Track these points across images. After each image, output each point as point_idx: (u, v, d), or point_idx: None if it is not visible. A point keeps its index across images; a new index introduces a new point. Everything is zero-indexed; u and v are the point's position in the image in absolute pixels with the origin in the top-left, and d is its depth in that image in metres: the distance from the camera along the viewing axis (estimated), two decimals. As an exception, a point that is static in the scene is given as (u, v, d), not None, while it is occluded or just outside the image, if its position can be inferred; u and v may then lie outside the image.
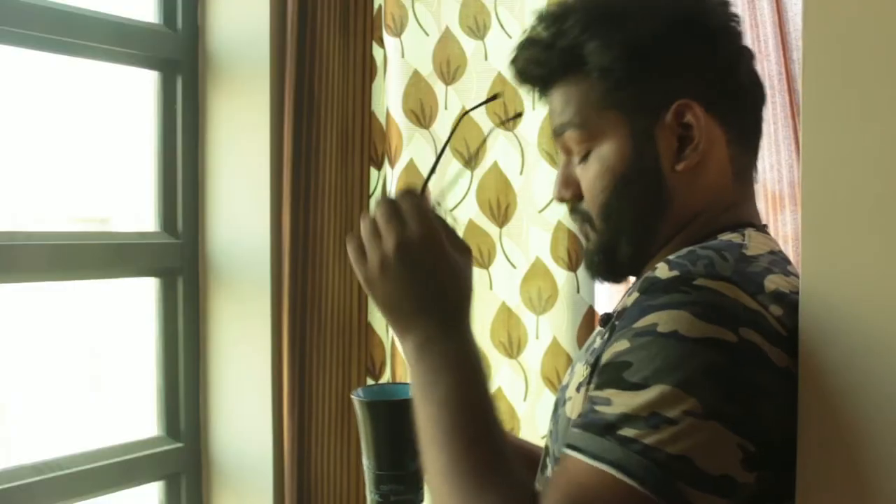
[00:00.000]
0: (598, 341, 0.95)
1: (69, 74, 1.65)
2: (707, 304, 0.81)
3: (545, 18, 1.01)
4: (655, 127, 0.96)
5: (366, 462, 1.06)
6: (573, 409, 0.93)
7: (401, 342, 0.95)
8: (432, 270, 0.93)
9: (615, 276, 1.07)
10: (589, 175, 0.99)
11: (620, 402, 0.80)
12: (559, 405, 0.98)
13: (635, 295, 0.87)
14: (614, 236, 0.99)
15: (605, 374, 0.83)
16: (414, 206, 0.94)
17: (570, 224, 1.52)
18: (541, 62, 1.01)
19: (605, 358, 0.84)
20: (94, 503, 1.55)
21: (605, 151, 0.98)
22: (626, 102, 0.97)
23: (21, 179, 1.67)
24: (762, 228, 1.00)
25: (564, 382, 1.01)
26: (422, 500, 1.08)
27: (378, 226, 0.94)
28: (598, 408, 0.81)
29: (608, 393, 0.81)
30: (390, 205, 0.95)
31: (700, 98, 0.95)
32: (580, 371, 0.95)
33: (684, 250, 0.90)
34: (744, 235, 0.94)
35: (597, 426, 0.80)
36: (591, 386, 0.85)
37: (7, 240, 1.43)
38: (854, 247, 0.79)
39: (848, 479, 0.79)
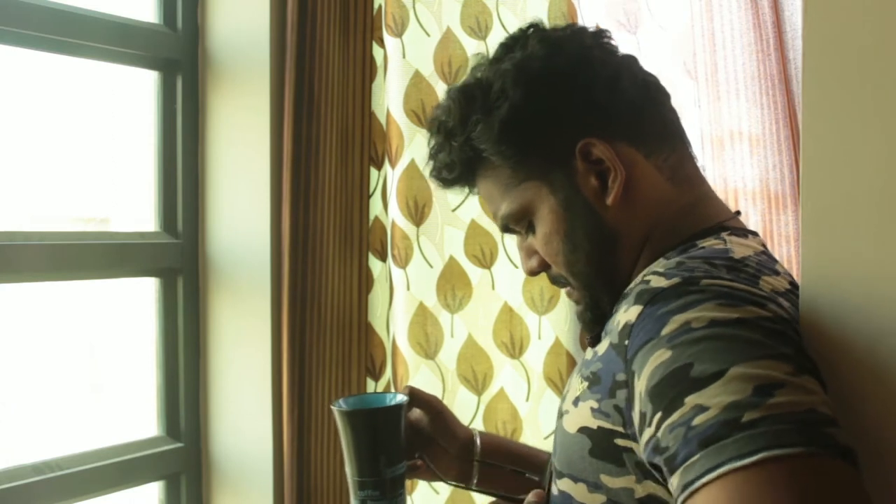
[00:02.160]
0: (592, 354, 0.93)
1: (69, 74, 1.65)
2: (725, 293, 0.80)
3: (432, 126, 1.06)
4: (573, 176, 0.98)
5: (347, 469, 1.08)
6: (571, 422, 0.92)
7: None
8: None
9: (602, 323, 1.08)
10: (540, 244, 1.02)
11: (711, 398, 0.70)
12: (558, 417, 0.98)
13: (638, 307, 0.84)
14: (591, 289, 1.01)
15: (667, 390, 0.74)
16: None
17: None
18: (449, 167, 1.05)
19: (645, 379, 0.76)
20: (94, 503, 1.55)
21: (541, 218, 1.01)
22: (534, 169, 0.99)
23: (21, 179, 1.67)
24: (738, 230, 0.99)
25: (563, 393, 1.01)
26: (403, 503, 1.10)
27: None
28: (695, 421, 0.70)
29: (689, 401, 0.71)
30: None
31: (596, 132, 0.97)
32: (576, 385, 0.94)
33: (672, 262, 0.90)
34: (724, 241, 0.94)
35: (716, 434, 0.68)
36: (657, 417, 0.74)
37: (7, 240, 1.43)
38: (854, 247, 0.79)
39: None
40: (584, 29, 1.04)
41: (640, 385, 0.77)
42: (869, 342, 0.78)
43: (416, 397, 1.16)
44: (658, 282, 0.85)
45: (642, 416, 0.77)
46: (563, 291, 1.59)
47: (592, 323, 1.03)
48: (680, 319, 0.76)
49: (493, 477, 1.19)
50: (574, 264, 1.00)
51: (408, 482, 1.64)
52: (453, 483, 1.20)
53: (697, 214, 0.99)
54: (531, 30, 1.04)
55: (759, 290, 0.83)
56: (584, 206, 0.98)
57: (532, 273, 1.07)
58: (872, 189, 0.78)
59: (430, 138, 1.08)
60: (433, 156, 1.08)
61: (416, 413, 1.17)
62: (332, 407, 1.09)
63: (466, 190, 1.10)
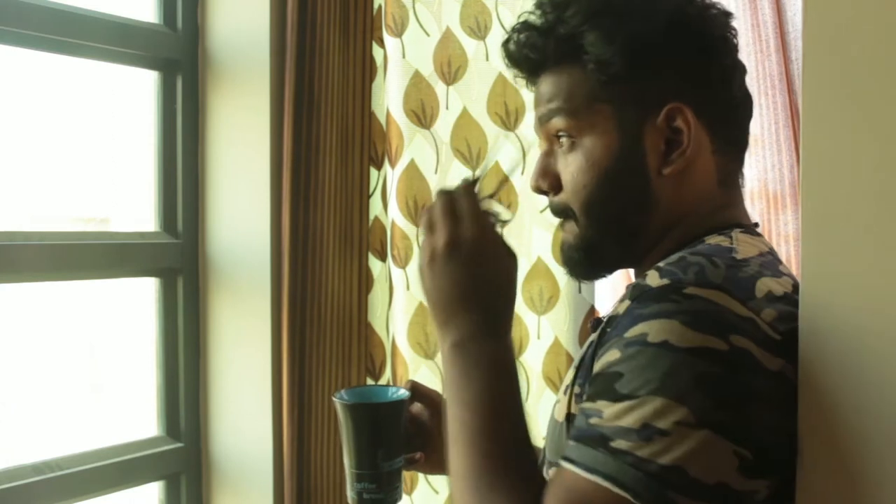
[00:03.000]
0: (588, 344, 0.95)
1: (69, 74, 1.65)
2: (697, 312, 0.81)
3: (545, 5, 0.99)
4: (645, 126, 0.96)
5: (345, 460, 1.08)
6: (559, 411, 0.94)
7: (439, 338, 0.95)
8: (479, 272, 0.93)
9: (593, 275, 1.08)
10: (572, 168, 0.98)
11: (612, 413, 0.80)
12: (552, 408, 0.99)
13: (626, 303, 0.86)
14: (599, 234, 0.99)
15: (597, 385, 0.83)
16: (470, 204, 0.94)
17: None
18: (536, 47, 0.99)
19: (596, 367, 0.85)
20: (94, 503, 1.55)
21: (591, 145, 0.97)
22: (619, 97, 0.96)
23: (21, 179, 1.67)
24: (751, 228, 1.00)
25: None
26: (395, 501, 1.09)
27: (433, 219, 0.94)
28: (591, 420, 0.82)
29: (600, 404, 0.81)
30: (447, 200, 0.95)
31: (693, 104, 0.95)
32: (569, 374, 0.95)
33: (674, 257, 0.90)
34: (731, 238, 0.94)
35: (591, 438, 0.81)
36: (585, 397, 0.85)
37: (7, 240, 1.43)
38: (854, 247, 0.79)
39: (848, 480, 0.79)
40: (732, 17, 1.02)
41: (595, 368, 0.86)
42: (869, 342, 0.78)
43: (417, 392, 1.16)
44: (652, 278, 0.87)
45: (574, 380, 0.90)
46: (562, 291, 1.60)
47: (579, 264, 1.01)
48: (642, 328, 0.81)
49: None
50: (593, 205, 0.97)
51: (408, 480, 1.64)
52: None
53: (723, 216, 0.99)
54: None
55: (742, 307, 0.83)
56: (640, 160, 0.96)
57: (537, 189, 1.02)
58: (872, 189, 0.78)
59: (532, 12, 1.00)
60: (520, 30, 1.01)
61: (417, 407, 1.17)
62: (333, 398, 1.08)
63: (526, 84, 1.04)
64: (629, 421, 0.79)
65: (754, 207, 1.78)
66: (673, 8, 0.97)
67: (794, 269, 1.68)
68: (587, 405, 0.83)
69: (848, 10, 0.78)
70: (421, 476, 1.64)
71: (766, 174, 1.76)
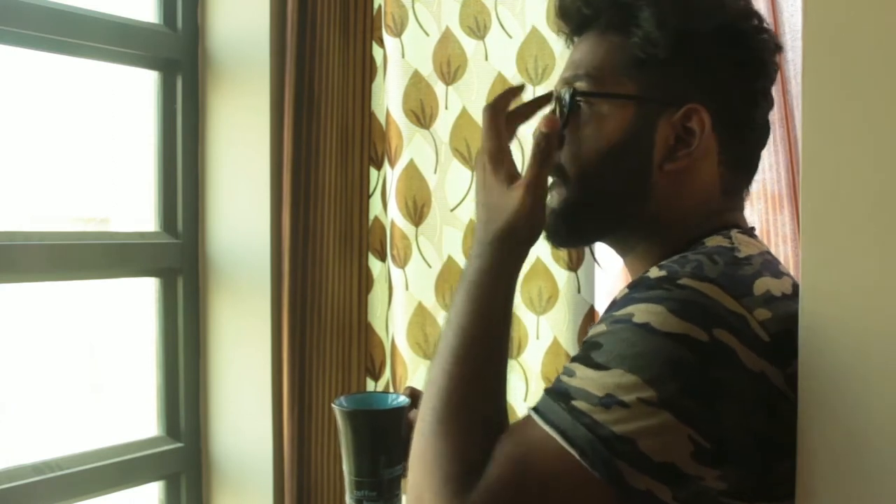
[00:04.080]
0: None
1: (69, 74, 1.65)
2: (685, 301, 0.83)
3: None
4: (661, 117, 0.96)
5: (344, 467, 1.08)
6: None
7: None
8: (479, 190, 0.97)
9: (568, 242, 1.10)
10: (580, 130, 0.98)
11: (582, 375, 0.83)
12: None
13: (625, 291, 0.89)
14: (584, 202, 0.99)
15: (579, 351, 0.87)
16: (487, 119, 0.97)
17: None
18: (591, 4, 1.00)
19: (585, 338, 0.89)
20: (94, 503, 1.55)
21: (608, 114, 0.97)
22: (648, 80, 0.96)
23: (21, 179, 1.67)
24: (748, 231, 1.00)
25: None
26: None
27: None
28: (563, 377, 0.86)
29: (574, 366, 0.85)
30: (486, 115, 0.98)
31: (713, 111, 0.96)
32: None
33: (676, 256, 0.91)
34: (731, 238, 0.95)
35: (556, 393, 0.84)
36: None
37: (7, 240, 1.43)
38: (854, 247, 0.79)
39: (848, 480, 0.79)
40: (780, 48, 1.03)
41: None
42: (869, 342, 0.78)
43: (416, 398, 1.17)
44: (652, 272, 0.89)
45: None
46: (561, 292, 1.60)
47: (556, 230, 1.01)
48: (630, 309, 0.84)
49: None
50: (591, 174, 0.98)
51: (405, 483, 1.64)
52: None
53: (720, 219, 0.99)
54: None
55: (735, 303, 0.84)
56: (647, 146, 0.96)
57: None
58: (872, 189, 0.78)
59: None
60: None
61: (416, 413, 1.17)
62: (333, 405, 1.08)
63: (565, 39, 1.05)
64: (594, 386, 0.82)
65: (753, 207, 1.78)
66: (731, 17, 0.98)
67: (792, 269, 1.68)
68: (567, 365, 0.87)
69: (848, 10, 0.79)
70: (421, 476, 1.64)
71: (764, 174, 1.77)
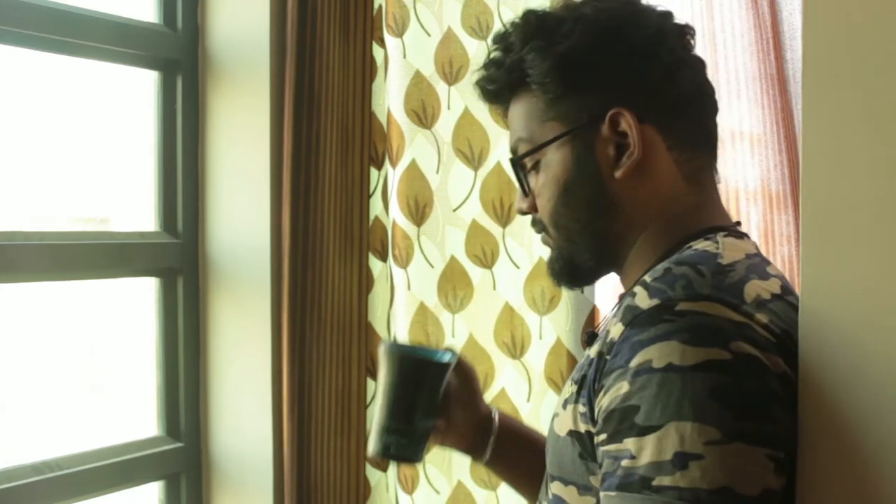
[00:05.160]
0: (585, 357, 0.95)
1: (69, 74, 1.65)
2: (693, 328, 0.82)
3: (497, 38, 1.06)
4: (594, 136, 0.98)
5: (378, 411, 1.08)
6: (560, 425, 0.95)
7: None
8: None
9: (577, 282, 1.11)
10: (538, 185, 1.03)
11: (641, 450, 0.80)
12: (551, 419, 0.99)
13: (620, 327, 0.87)
14: (569, 244, 1.03)
15: (615, 422, 0.83)
16: None
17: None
18: (493, 80, 1.05)
19: (605, 401, 0.85)
20: (94, 503, 1.55)
21: (550, 161, 1.01)
22: (564, 113, 1.00)
23: (21, 179, 1.67)
24: (735, 231, 1.00)
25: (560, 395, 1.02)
26: (418, 461, 1.11)
27: None
28: (623, 463, 0.81)
29: (627, 443, 0.81)
30: None
31: (634, 107, 0.97)
32: (568, 388, 0.95)
33: (660, 269, 0.91)
34: (717, 243, 0.95)
35: (632, 484, 0.80)
36: (603, 436, 0.85)
37: (7, 240, 1.43)
38: (854, 247, 0.79)
39: (849, 480, 0.79)
40: (671, 16, 1.04)
41: (602, 401, 0.86)
42: (870, 343, 0.77)
43: (460, 362, 1.17)
44: (641, 299, 0.88)
45: (597, 423, 0.87)
46: (564, 292, 1.60)
47: (560, 273, 1.05)
48: (645, 355, 0.82)
49: (505, 456, 1.20)
50: (560, 217, 1.02)
51: (409, 480, 1.64)
52: (461, 452, 1.21)
53: (699, 216, 1.00)
54: None
55: (736, 313, 0.84)
56: (593, 168, 0.99)
57: (520, 211, 1.08)
58: (873, 190, 0.77)
59: (490, 48, 1.08)
60: (484, 66, 1.08)
61: (451, 376, 1.17)
62: (381, 345, 1.09)
63: (498, 109, 1.10)
64: (661, 453, 0.79)
65: (755, 207, 1.78)
66: (604, 17, 1.00)
67: (795, 269, 1.68)
68: (612, 447, 0.83)
69: (848, 9, 0.78)
70: (422, 476, 1.64)
71: (766, 174, 1.76)
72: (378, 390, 1.09)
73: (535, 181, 1.03)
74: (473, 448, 1.20)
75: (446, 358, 1.12)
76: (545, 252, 1.60)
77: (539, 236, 1.09)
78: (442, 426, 1.15)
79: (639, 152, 0.97)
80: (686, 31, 1.03)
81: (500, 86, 1.05)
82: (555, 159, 1.01)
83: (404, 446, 1.07)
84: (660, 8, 1.04)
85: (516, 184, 1.07)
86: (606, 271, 1.07)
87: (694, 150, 1.01)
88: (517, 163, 1.04)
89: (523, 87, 1.02)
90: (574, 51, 0.98)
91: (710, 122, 1.04)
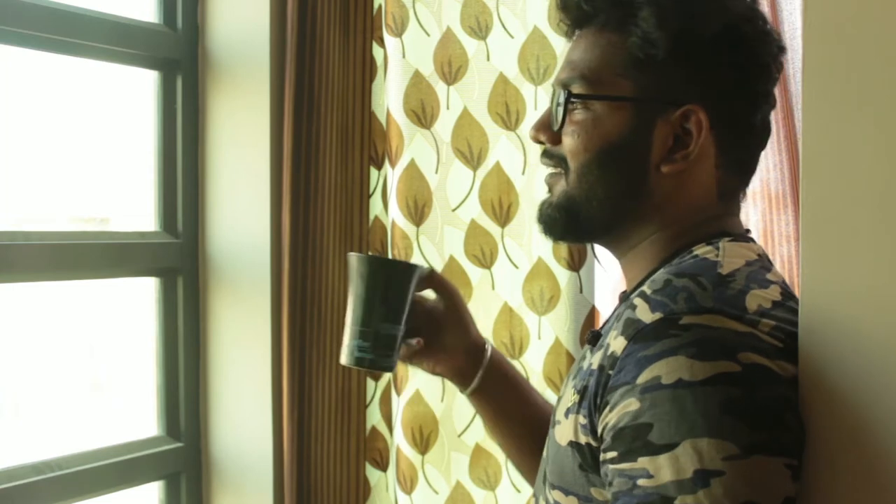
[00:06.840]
0: (587, 363, 0.93)
1: (69, 74, 1.65)
2: (700, 342, 0.81)
3: None
4: (659, 117, 0.95)
5: (347, 318, 1.08)
6: (562, 434, 0.93)
7: None
8: None
9: (567, 236, 1.05)
10: (579, 128, 0.96)
11: (659, 469, 0.79)
12: (551, 426, 0.98)
13: (621, 341, 0.86)
14: (585, 196, 0.97)
15: (627, 441, 0.82)
16: None
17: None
18: (591, 1, 0.98)
19: (612, 418, 0.83)
20: (94, 503, 1.55)
21: (602, 115, 0.96)
22: (646, 80, 0.95)
23: (21, 179, 1.67)
24: (741, 236, 0.98)
25: (558, 398, 1.00)
26: (389, 367, 1.09)
27: None
28: (640, 482, 0.80)
29: (642, 462, 0.80)
30: None
31: (711, 112, 0.94)
32: (569, 396, 0.94)
33: (659, 280, 0.90)
34: (718, 249, 0.93)
35: None
36: (613, 454, 0.83)
37: (7, 240, 1.43)
38: (854, 247, 0.79)
39: (849, 480, 0.79)
40: (785, 51, 1.01)
41: (610, 419, 0.84)
42: (870, 343, 0.77)
43: (436, 279, 1.15)
44: (643, 312, 0.86)
45: (604, 440, 0.85)
46: (563, 292, 1.60)
47: (556, 222, 0.99)
48: (653, 371, 0.81)
49: (491, 392, 1.17)
50: (591, 169, 0.96)
51: (408, 480, 1.64)
52: (448, 378, 1.18)
53: (715, 225, 0.98)
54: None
55: (740, 324, 0.84)
56: (645, 149, 0.95)
57: (534, 139, 1.01)
58: (873, 190, 0.77)
59: None
60: None
61: (433, 298, 1.15)
62: (349, 254, 1.09)
63: (571, 30, 1.02)
64: (680, 472, 0.78)
65: (755, 207, 1.78)
66: (733, 18, 0.96)
67: (794, 270, 1.68)
68: (625, 466, 0.82)
69: (848, 9, 0.78)
70: (421, 476, 1.64)
71: (766, 174, 1.76)
72: (349, 298, 1.08)
73: (570, 118, 0.97)
74: (461, 375, 1.16)
75: (412, 265, 1.11)
76: (545, 252, 1.61)
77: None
78: (419, 344, 1.11)
79: (695, 156, 0.94)
80: (781, 67, 1.01)
81: (596, 11, 0.97)
82: (611, 117, 0.95)
83: (368, 350, 1.06)
84: (778, 37, 1.00)
85: (553, 113, 0.98)
86: (597, 242, 1.04)
87: (737, 176, 0.99)
88: (567, 98, 0.97)
89: (618, 28, 0.95)
90: (695, 31, 0.93)
91: (758, 156, 1.02)
